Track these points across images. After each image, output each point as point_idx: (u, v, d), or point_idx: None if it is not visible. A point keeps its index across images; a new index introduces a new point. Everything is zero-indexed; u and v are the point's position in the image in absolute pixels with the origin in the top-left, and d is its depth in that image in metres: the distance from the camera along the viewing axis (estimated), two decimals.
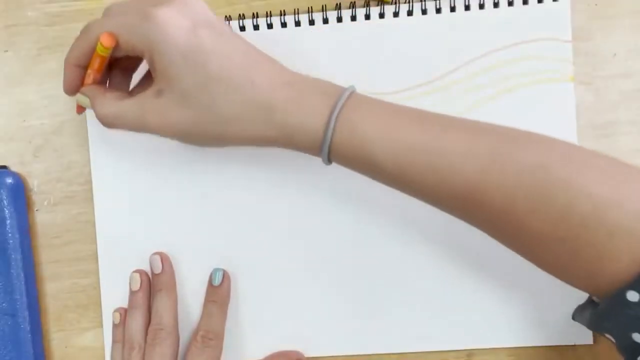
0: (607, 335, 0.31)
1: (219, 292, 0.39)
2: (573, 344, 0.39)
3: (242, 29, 0.40)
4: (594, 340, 0.39)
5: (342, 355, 0.40)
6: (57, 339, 0.42)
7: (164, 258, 0.39)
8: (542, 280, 0.39)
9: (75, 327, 0.41)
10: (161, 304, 0.38)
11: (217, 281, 0.39)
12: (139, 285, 0.39)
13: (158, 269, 0.39)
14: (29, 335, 0.40)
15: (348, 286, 0.40)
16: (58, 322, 0.42)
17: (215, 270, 0.39)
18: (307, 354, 0.40)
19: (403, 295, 0.39)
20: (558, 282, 0.39)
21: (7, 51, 0.41)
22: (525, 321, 0.39)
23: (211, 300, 0.39)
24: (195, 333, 0.38)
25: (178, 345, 0.38)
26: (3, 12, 0.41)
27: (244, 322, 0.40)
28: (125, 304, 0.40)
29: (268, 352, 0.40)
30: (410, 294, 0.39)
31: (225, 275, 0.39)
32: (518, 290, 0.39)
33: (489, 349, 0.40)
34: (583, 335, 0.39)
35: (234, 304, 0.40)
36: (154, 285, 0.39)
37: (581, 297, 0.39)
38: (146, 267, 0.40)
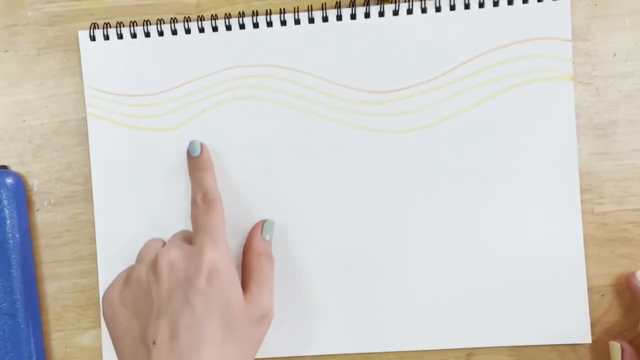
0: None
1: (200, 160, 0.39)
2: (572, 343, 0.39)
3: (242, 27, 0.40)
4: (593, 340, 0.39)
5: (342, 354, 0.40)
6: (57, 339, 0.42)
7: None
8: (542, 280, 0.39)
9: (75, 327, 0.41)
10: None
11: (196, 151, 0.39)
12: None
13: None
14: (29, 335, 0.40)
15: (347, 285, 0.40)
16: (58, 322, 0.42)
17: (192, 142, 0.39)
18: (306, 353, 0.40)
19: (403, 294, 0.39)
20: (558, 282, 0.39)
21: (7, 51, 0.41)
22: (525, 321, 0.39)
23: (196, 169, 0.38)
24: (193, 200, 0.37)
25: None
26: (3, 12, 0.42)
27: None
28: None
29: (267, 351, 0.40)
30: (410, 292, 0.39)
31: (202, 145, 0.39)
32: (518, 290, 0.39)
33: (489, 348, 0.40)
34: (582, 335, 0.39)
35: None
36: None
37: (581, 297, 0.39)
38: None
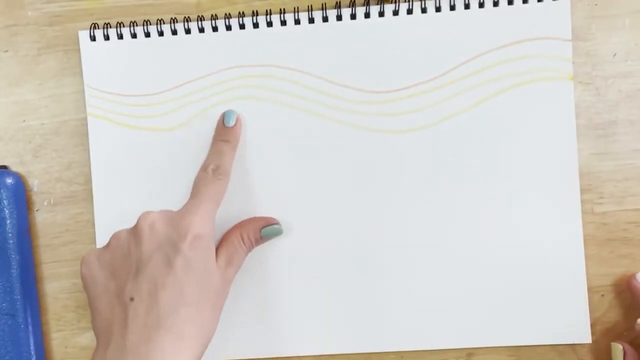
0: None
1: (231, 132, 0.39)
2: (572, 343, 0.39)
3: (242, 27, 0.40)
4: (593, 340, 0.39)
5: (342, 354, 0.40)
6: (57, 339, 0.42)
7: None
8: (542, 280, 0.39)
9: (75, 327, 0.41)
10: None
11: (231, 122, 0.39)
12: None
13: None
14: (29, 335, 0.40)
15: (347, 285, 0.40)
16: (58, 322, 0.42)
17: (229, 111, 0.39)
18: (306, 353, 0.40)
19: (403, 294, 0.39)
20: (558, 282, 0.39)
21: (7, 51, 0.41)
22: (525, 321, 0.39)
23: (223, 140, 0.39)
24: (206, 166, 0.38)
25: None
26: (3, 12, 0.42)
27: (242, 320, 0.40)
28: None
29: (267, 351, 0.40)
30: (410, 292, 0.39)
31: (238, 118, 0.39)
32: (518, 290, 0.39)
33: (489, 348, 0.40)
34: (582, 335, 0.39)
35: (233, 302, 0.40)
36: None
37: (581, 297, 0.39)
38: None
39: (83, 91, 0.41)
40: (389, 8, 0.39)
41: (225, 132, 0.39)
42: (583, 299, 0.39)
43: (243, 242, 0.38)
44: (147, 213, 0.35)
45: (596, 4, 0.39)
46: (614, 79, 0.39)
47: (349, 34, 0.39)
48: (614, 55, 0.39)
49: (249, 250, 0.39)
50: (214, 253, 0.35)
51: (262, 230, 0.38)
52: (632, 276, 0.38)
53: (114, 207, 0.41)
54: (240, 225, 0.39)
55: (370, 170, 0.39)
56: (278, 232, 0.39)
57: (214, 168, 0.38)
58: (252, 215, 0.40)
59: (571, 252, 0.39)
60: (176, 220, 0.35)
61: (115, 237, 0.36)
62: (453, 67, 0.39)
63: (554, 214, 0.39)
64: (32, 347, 0.40)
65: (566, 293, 0.39)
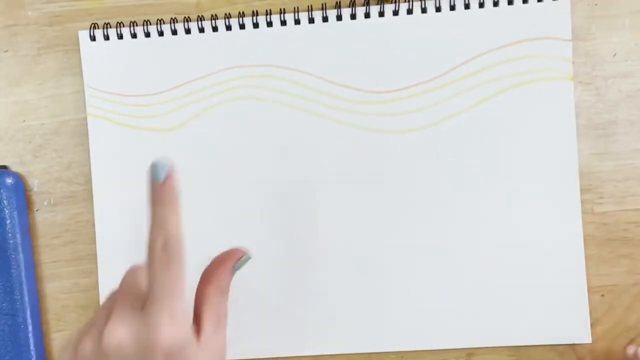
0: None
1: (165, 189, 0.31)
2: (572, 343, 0.39)
3: (242, 27, 0.40)
4: (593, 340, 0.39)
5: (342, 354, 0.40)
6: (57, 339, 0.42)
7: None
8: (542, 280, 0.39)
9: (75, 327, 0.41)
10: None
11: (160, 176, 0.31)
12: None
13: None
14: (29, 335, 0.40)
15: (347, 285, 0.40)
16: (58, 322, 0.42)
17: (158, 162, 0.31)
18: (306, 353, 0.40)
19: (403, 294, 0.39)
20: (558, 281, 0.39)
21: (7, 51, 0.41)
22: (525, 321, 0.39)
23: (158, 202, 0.31)
24: (152, 243, 0.30)
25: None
26: (3, 12, 0.42)
27: (242, 321, 0.40)
28: None
29: (267, 351, 0.40)
30: (410, 292, 0.39)
31: (171, 170, 0.31)
32: (518, 290, 0.39)
33: (489, 348, 0.40)
34: (582, 335, 0.39)
35: (233, 302, 0.40)
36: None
37: (581, 297, 0.39)
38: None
39: (83, 91, 0.41)
40: (389, 8, 0.39)
41: (157, 191, 0.31)
42: (583, 299, 0.39)
43: (222, 291, 0.32)
44: (114, 327, 0.29)
45: (596, 4, 0.39)
46: (614, 79, 0.39)
47: (349, 34, 0.39)
48: (614, 55, 0.39)
49: (228, 294, 0.33)
50: (197, 356, 0.30)
51: (236, 266, 0.33)
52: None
53: (114, 207, 0.41)
54: (211, 274, 0.33)
55: (370, 171, 0.39)
56: (248, 260, 0.34)
57: (162, 244, 0.30)
58: (252, 217, 0.40)
59: (571, 252, 0.39)
60: (146, 335, 0.29)
61: (81, 350, 0.29)
62: (453, 67, 0.39)
63: (554, 214, 0.39)
64: (32, 347, 0.40)
65: (566, 293, 0.39)
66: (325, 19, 0.39)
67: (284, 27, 0.40)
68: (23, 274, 0.40)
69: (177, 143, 0.40)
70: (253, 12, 0.40)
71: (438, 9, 0.39)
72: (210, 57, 0.40)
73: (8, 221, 0.40)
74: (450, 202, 0.39)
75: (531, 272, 0.39)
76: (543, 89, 0.39)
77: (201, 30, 0.40)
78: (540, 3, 0.38)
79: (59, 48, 0.41)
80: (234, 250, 0.34)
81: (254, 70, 0.40)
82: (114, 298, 0.31)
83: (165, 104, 0.40)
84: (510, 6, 0.39)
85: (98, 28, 0.41)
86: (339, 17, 0.39)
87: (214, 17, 0.40)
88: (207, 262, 0.34)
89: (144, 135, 0.41)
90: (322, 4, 0.39)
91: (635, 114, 0.39)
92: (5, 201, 0.40)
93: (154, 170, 0.31)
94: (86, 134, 0.41)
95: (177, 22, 0.40)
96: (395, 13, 0.39)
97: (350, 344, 0.40)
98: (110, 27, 0.40)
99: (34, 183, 0.42)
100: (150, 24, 0.40)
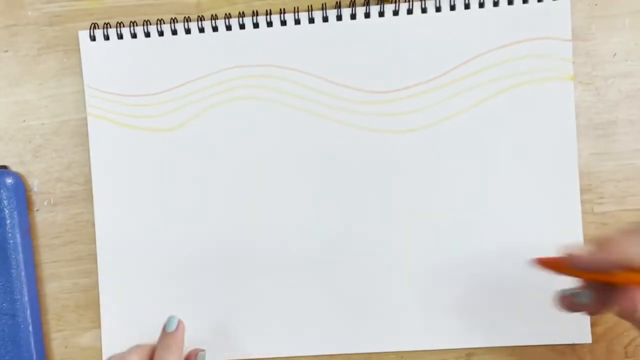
0: None
1: (172, 337, 0.38)
2: (572, 343, 0.39)
3: (242, 27, 0.40)
4: (593, 340, 0.39)
5: (342, 354, 0.40)
6: (57, 339, 0.42)
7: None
8: (542, 279, 0.39)
9: (75, 327, 0.41)
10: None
11: (172, 327, 0.38)
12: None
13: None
14: (29, 335, 0.40)
15: (347, 285, 0.40)
16: (58, 322, 0.42)
17: (171, 317, 0.39)
18: (305, 353, 0.40)
19: (402, 294, 0.39)
20: (558, 281, 0.39)
21: (7, 51, 0.41)
22: (525, 321, 0.39)
23: (164, 347, 0.37)
24: None
25: None
26: (3, 12, 0.42)
27: (242, 321, 0.40)
28: (123, 305, 0.40)
29: (267, 352, 0.40)
30: (409, 292, 0.39)
31: (180, 323, 0.39)
32: (518, 290, 0.39)
33: (489, 348, 0.40)
34: (582, 335, 0.39)
35: (233, 302, 0.40)
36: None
37: None
38: (144, 266, 0.40)
39: (83, 91, 0.41)
40: (389, 8, 0.39)
41: (166, 338, 0.38)
42: None
43: None
44: None
45: (596, 4, 0.39)
46: (614, 79, 0.39)
47: (349, 34, 0.39)
48: (614, 55, 0.39)
49: None
50: None
51: None
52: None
53: (114, 207, 0.41)
54: None
55: (371, 170, 0.39)
56: (204, 355, 0.40)
57: None
58: (252, 216, 0.40)
59: None
60: None
61: None
62: (453, 67, 0.39)
63: (554, 214, 0.39)
64: (32, 347, 0.40)
65: None
66: (325, 19, 0.39)
67: (284, 27, 0.40)
68: (23, 274, 0.40)
69: (177, 143, 0.40)
70: (253, 12, 0.40)
71: (438, 9, 0.39)
72: (210, 57, 0.40)
73: (8, 221, 0.40)
74: (450, 202, 0.39)
75: (531, 272, 0.39)
76: (543, 89, 0.39)
77: (201, 30, 0.40)
78: (540, 3, 0.38)
79: (59, 48, 0.41)
80: (193, 350, 0.40)
81: (254, 70, 0.40)
82: None
83: (165, 104, 0.40)
84: (510, 6, 0.39)
85: (98, 28, 0.41)
86: (339, 17, 0.39)
87: (214, 17, 0.40)
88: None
89: (144, 135, 0.41)
90: (322, 4, 0.39)
91: (635, 114, 0.39)
92: (5, 201, 0.40)
93: (168, 321, 0.39)
94: (86, 134, 0.41)
95: (177, 22, 0.40)
96: (395, 13, 0.39)
97: (350, 344, 0.40)
98: (110, 27, 0.40)
99: (34, 183, 0.42)
100: (150, 24, 0.40)
